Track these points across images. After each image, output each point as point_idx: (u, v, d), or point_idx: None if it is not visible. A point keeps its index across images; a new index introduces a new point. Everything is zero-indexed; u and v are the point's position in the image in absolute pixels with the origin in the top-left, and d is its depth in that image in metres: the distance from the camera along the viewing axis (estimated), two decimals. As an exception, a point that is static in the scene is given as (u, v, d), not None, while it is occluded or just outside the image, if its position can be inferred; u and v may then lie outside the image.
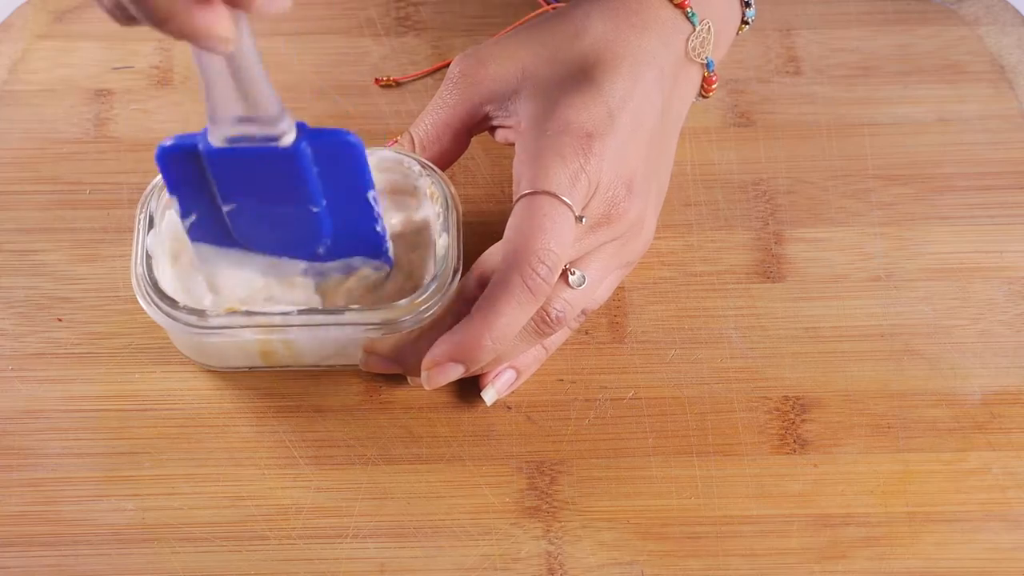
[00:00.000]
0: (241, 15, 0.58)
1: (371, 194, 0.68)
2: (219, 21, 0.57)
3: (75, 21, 0.84)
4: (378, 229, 0.70)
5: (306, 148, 0.65)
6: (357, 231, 0.69)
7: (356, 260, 0.71)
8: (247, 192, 0.67)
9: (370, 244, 0.70)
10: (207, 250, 0.70)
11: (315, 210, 0.68)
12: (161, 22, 0.57)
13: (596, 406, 0.73)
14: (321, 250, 0.70)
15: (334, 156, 0.66)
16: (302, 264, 0.70)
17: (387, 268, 0.71)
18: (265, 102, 0.63)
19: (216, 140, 0.65)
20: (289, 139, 0.65)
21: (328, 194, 0.68)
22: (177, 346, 0.73)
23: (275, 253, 0.70)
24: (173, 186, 0.68)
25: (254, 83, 0.62)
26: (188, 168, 0.67)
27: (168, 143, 0.66)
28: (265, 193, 0.67)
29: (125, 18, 0.59)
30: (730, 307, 0.76)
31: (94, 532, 0.70)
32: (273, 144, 0.65)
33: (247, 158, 0.65)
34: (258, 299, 0.71)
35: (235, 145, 0.65)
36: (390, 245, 0.71)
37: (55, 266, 0.76)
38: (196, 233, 0.70)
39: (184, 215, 0.69)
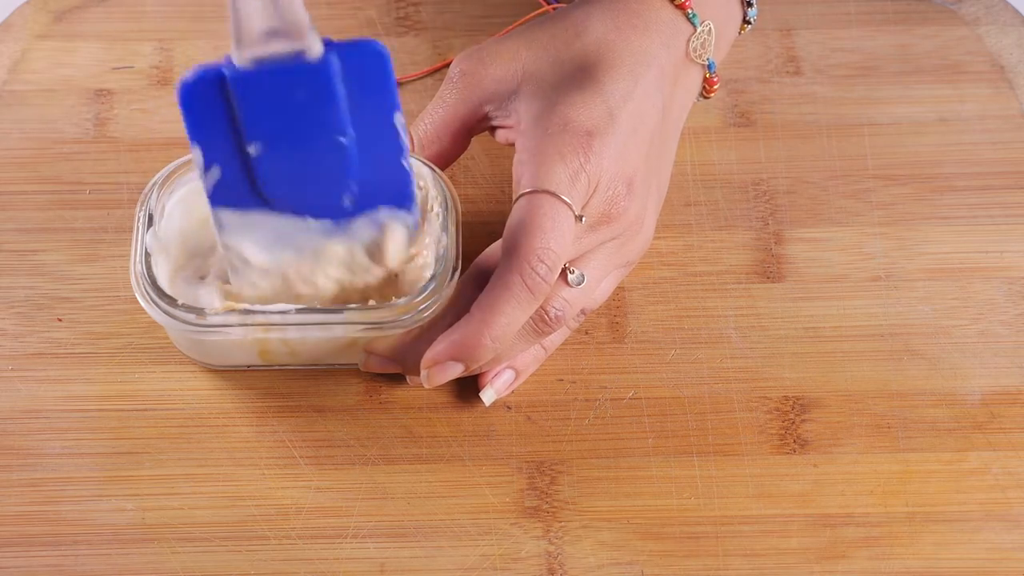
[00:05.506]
0: None
1: (398, 116, 0.67)
2: None
3: (75, 21, 0.84)
4: (403, 164, 0.68)
5: (335, 61, 0.64)
6: (383, 170, 0.67)
7: (383, 213, 0.69)
8: (274, 123, 0.65)
9: (395, 186, 0.68)
10: (229, 217, 0.68)
11: (343, 141, 0.66)
12: None
13: (596, 406, 0.73)
14: (347, 200, 0.68)
15: (360, 71, 0.65)
16: (328, 226, 0.68)
17: (413, 226, 0.69)
18: (296, 10, 0.62)
19: (241, 61, 0.63)
20: (317, 50, 0.63)
21: (355, 122, 0.66)
22: (176, 344, 0.73)
23: (302, 208, 0.68)
24: (195, 130, 0.65)
25: None
26: (212, 106, 0.65)
27: (190, 76, 0.64)
28: (294, 121, 0.65)
29: None
30: (730, 307, 0.76)
31: (94, 532, 0.70)
32: (301, 59, 0.63)
33: (275, 77, 0.63)
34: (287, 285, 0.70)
35: (261, 66, 0.63)
36: (415, 187, 0.69)
37: (55, 266, 0.76)
38: (218, 194, 0.67)
39: (207, 167, 0.66)
